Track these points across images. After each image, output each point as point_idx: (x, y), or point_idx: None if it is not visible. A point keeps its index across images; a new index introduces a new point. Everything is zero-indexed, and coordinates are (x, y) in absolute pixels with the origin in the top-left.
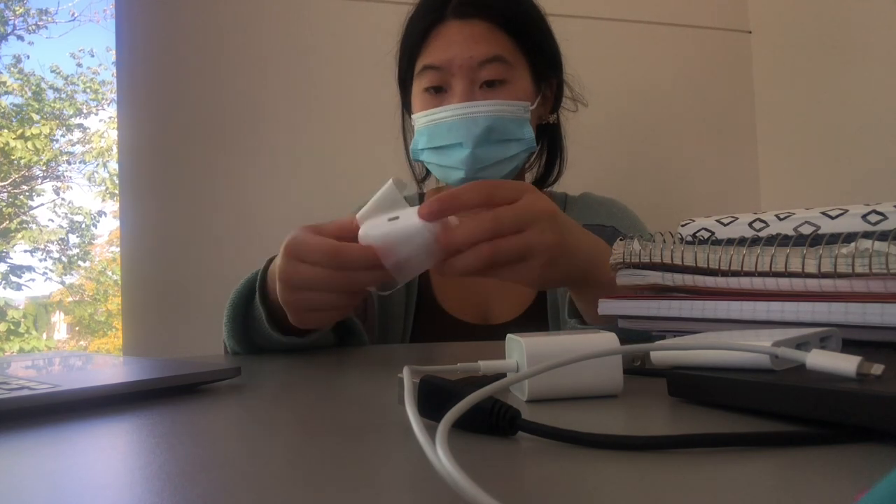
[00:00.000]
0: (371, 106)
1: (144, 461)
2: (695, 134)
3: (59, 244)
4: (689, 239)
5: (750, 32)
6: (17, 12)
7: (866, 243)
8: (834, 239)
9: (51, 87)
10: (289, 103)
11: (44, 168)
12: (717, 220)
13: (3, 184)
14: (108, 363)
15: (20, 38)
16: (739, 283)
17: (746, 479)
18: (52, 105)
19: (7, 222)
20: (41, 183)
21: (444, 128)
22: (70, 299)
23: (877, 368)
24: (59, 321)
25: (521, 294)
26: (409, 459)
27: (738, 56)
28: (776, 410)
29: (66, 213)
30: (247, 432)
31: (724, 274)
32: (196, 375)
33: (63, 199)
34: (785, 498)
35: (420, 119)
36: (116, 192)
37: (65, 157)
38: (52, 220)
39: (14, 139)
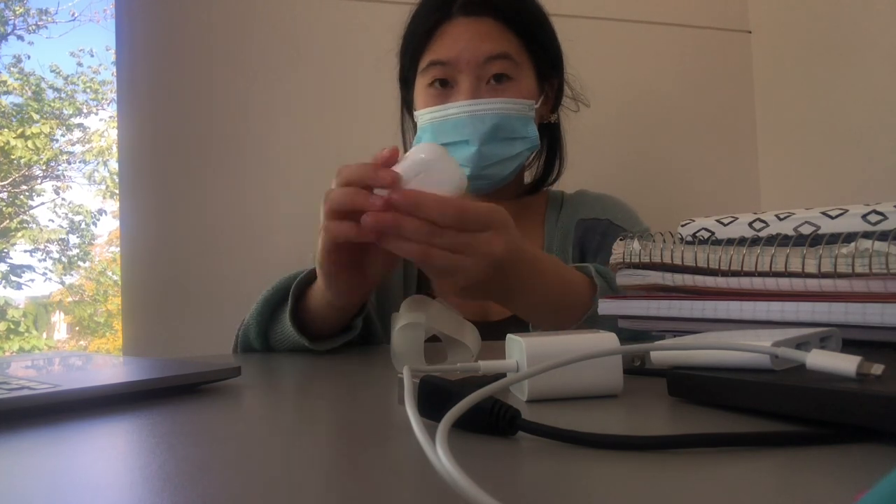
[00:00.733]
0: (372, 106)
1: (144, 461)
2: (695, 134)
3: (59, 244)
4: (689, 239)
5: (750, 32)
6: (17, 12)
7: (866, 243)
8: (834, 239)
9: (51, 86)
10: (289, 103)
11: (44, 168)
12: (717, 220)
13: (3, 183)
14: (108, 363)
15: (20, 37)
16: (739, 283)
17: (746, 479)
18: (52, 105)
19: (7, 222)
20: (41, 182)
21: (449, 125)
22: (70, 299)
23: (877, 368)
24: (59, 321)
25: None
26: (409, 459)
27: (738, 56)
28: (776, 410)
29: (66, 213)
30: (247, 432)
31: (724, 274)
32: (196, 375)
33: (63, 198)
34: (785, 498)
35: (424, 116)
36: (116, 191)
37: (65, 157)
38: (52, 220)
39: (14, 139)
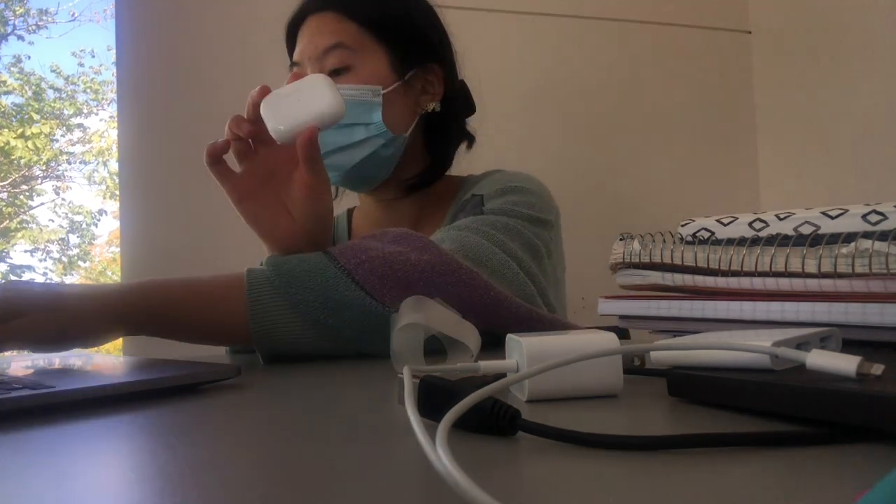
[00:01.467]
0: None
1: (144, 461)
2: (695, 134)
3: (59, 244)
4: (689, 239)
5: (750, 32)
6: (18, 12)
7: (866, 243)
8: (834, 239)
9: (51, 86)
10: None
11: (44, 168)
12: (717, 220)
13: (3, 184)
14: (107, 363)
15: (20, 38)
16: (739, 283)
17: (746, 479)
18: (53, 105)
19: (7, 222)
20: (41, 183)
21: None
22: None
23: (877, 368)
24: None
25: None
26: (409, 459)
27: (738, 56)
28: (776, 410)
29: (66, 213)
30: (247, 432)
31: (724, 274)
32: (196, 375)
33: (63, 198)
34: (785, 498)
35: None
36: (116, 192)
37: (65, 157)
38: (52, 220)
39: (14, 139)
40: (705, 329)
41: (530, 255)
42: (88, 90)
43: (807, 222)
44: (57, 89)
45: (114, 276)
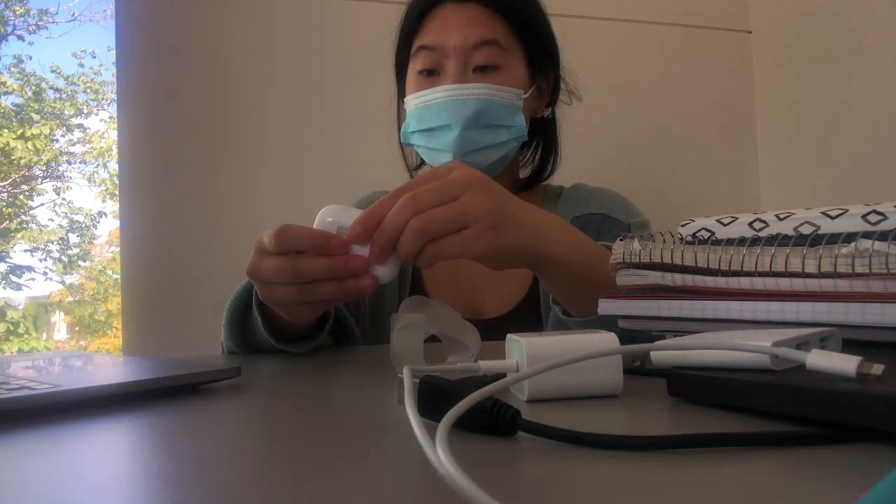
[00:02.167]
0: (372, 105)
1: (144, 461)
2: (695, 133)
3: (59, 244)
4: (689, 239)
5: (750, 32)
6: (18, 13)
7: (866, 243)
8: (834, 239)
9: (51, 87)
10: (289, 103)
11: (44, 168)
12: (717, 220)
13: (3, 184)
14: (108, 363)
15: (20, 38)
16: (739, 283)
17: (746, 479)
18: (53, 105)
19: (7, 222)
20: (41, 183)
21: (433, 109)
22: (70, 299)
23: (877, 368)
24: (59, 321)
25: (514, 288)
26: (409, 459)
27: (738, 56)
28: (776, 410)
29: (66, 213)
30: (247, 432)
31: (724, 274)
32: (196, 375)
33: (63, 199)
34: (785, 498)
35: (411, 101)
36: (116, 192)
37: (65, 157)
38: (52, 220)
39: (14, 139)
40: (705, 329)
41: None
42: (88, 90)
43: (807, 222)
44: (57, 90)
45: (114, 274)
